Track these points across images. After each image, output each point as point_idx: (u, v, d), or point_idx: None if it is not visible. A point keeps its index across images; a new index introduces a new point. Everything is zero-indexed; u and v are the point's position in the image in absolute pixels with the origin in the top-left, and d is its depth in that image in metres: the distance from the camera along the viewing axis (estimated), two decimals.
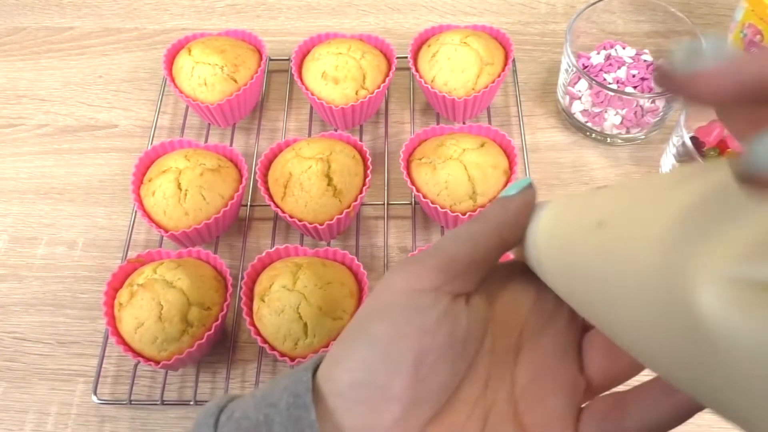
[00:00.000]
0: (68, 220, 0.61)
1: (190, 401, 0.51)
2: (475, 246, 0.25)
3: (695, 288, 0.16)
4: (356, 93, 0.60)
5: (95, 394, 0.51)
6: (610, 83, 0.62)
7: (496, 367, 0.26)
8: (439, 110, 0.64)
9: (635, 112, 0.59)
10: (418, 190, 0.54)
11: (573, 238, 0.24)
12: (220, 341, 0.53)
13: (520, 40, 0.71)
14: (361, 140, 0.59)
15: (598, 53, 0.64)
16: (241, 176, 0.57)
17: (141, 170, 0.57)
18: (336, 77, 0.60)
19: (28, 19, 0.76)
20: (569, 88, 0.62)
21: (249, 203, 0.60)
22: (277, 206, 0.54)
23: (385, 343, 0.24)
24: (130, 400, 0.51)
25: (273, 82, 0.69)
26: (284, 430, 0.24)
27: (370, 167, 0.55)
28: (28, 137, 0.67)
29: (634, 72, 0.62)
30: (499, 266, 0.28)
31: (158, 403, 0.51)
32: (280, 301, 0.48)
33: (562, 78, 0.62)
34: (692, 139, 0.56)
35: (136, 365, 0.52)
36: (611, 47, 0.64)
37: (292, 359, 0.48)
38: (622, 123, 0.60)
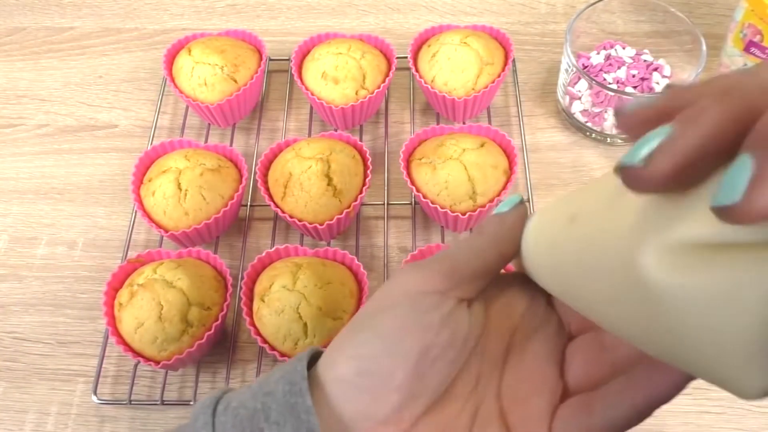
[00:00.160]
0: (68, 220, 0.61)
1: (190, 401, 0.51)
2: (477, 257, 0.27)
3: (639, 257, 0.18)
4: (356, 93, 0.60)
5: (95, 394, 0.51)
6: (610, 83, 0.62)
7: (486, 367, 0.28)
8: (439, 110, 0.64)
9: None
10: (418, 190, 0.54)
11: (554, 237, 0.26)
12: (220, 341, 0.53)
13: (520, 40, 0.71)
14: (361, 140, 0.59)
15: (598, 53, 0.64)
16: (241, 176, 0.57)
17: (141, 170, 0.57)
18: (336, 77, 0.60)
19: (28, 19, 0.76)
20: (569, 88, 0.62)
21: (249, 203, 0.60)
22: (277, 206, 0.54)
23: (391, 336, 0.26)
24: (130, 400, 0.51)
25: (273, 82, 0.69)
26: (281, 417, 0.25)
27: (370, 167, 0.55)
28: (28, 137, 0.67)
29: (634, 72, 0.62)
30: (499, 276, 0.30)
31: (158, 403, 0.51)
32: (280, 301, 0.48)
33: (562, 78, 0.62)
34: None
35: (136, 365, 0.52)
36: (611, 47, 0.64)
37: None
38: None
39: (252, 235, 0.59)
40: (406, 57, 0.63)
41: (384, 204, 0.59)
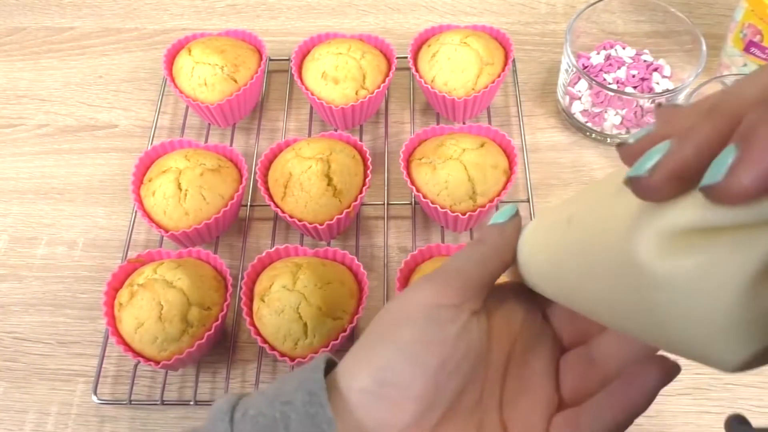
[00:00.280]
0: (68, 220, 0.61)
1: (190, 401, 0.51)
2: (484, 267, 0.29)
3: (634, 246, 0.20)
4: (356, 93, 0.60)
5: (95, 394, 0.51)
6: (610, 83, 0.62)
7: (489, 378, 0.29)
8: (439, 110, 0.64)
9: (635, 113, 0.59)
10: (418, 190, 0.54)
11: (551, 240, 0.27)
12: (220, 341, 0.53)
13: (520, 40, 0.71)
14: (361, 140, 0.59)
15: (598, 53, 0.64)
16: (241, 176, 0.57)
17: (141, 170, 0.57)
18: (336, 77, 0.60)
19: (28, 19, 0.76)
20: (569, 88, 0.62)
21: (249, 203, 0.60)
22: (277, 206, 0.54)
23: (411, 349, 0.27)
24: (130, 400, 0.51)
25: (273, 82, 0.69)
26: (301, 427, 0.26)
27: (370, 167, 0.55)
28: (28, 137, 0.67)
29: (634, 72, 0.62)
30: (495, 287, 0.31)
31: (158, 403, 0.51)
32: (280, 301, 0.48)
33: (562, 78, 0.62)
34: None
35: (136, 365, 0.52)
36: (611, 47, 0.64)
37: (292, 359, 0.48)
38: (622, 123, 0.60)
39: (252, 235, 0.59)
40: (406, 57, 0.63)
41: (384, 204, 0.59)
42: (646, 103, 0.59)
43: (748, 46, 0.61)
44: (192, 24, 0.74)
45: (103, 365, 0.52)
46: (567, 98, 0.63)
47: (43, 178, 0.64)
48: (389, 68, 0.62)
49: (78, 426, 0.51)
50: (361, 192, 0.55)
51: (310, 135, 0.64)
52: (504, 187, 0.54)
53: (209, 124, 0.65)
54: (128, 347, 0.48)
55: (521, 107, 0.65)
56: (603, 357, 0.29)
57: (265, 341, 0.48)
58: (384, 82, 0.61)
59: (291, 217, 0.54)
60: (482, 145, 0.55)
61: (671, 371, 0.27)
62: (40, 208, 0.62)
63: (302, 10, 0.75)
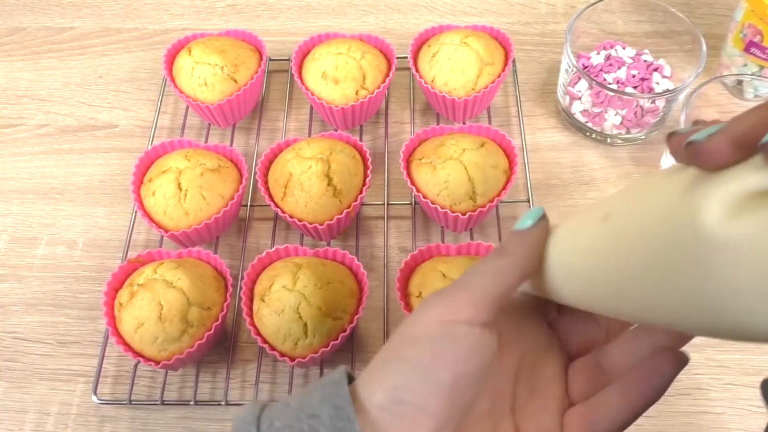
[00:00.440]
0: (68, 220, 0.61)
1: (190, 401, 0.51)
2: (501, 280, 0.28)
3: (699, 213, 0.20)
4: (356, 93, 0.60)
5: (95, 394, 0.51)
6: (610, 83, 0.62)
7: (500, 389, 0.30)
8: (439, 110, 0.64)
9: (635, 113, 0.59)
10: (418, 190, 0.54)
11: (581, 241, 0.27)
12: (220, 341, 0.53)
13: (520, 40, 0.71)
14: (361, 140, 0.59)
15: (598, 53, 0.64)
16: (241, 176, 0.57)
17: (141, 170, 0.57)
18: (336, 77, 0.60)
19: (28, 19, 0.76)
20: (569, 88, 0.62)
21: (249, 203, 0.60)
22: (277, 206, 0.54)
23: (424, 366, 0.27)
24: (130, 400, 0.51)
25: (273, 82, 0.69)
26: None
27: (370, 167, 0.55)
28: (28, 137, 0.67)
29: (634, 72, 0.62)
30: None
31: (158, 403, 0.51)
32: (280, 301, 0.48)
33: (562, 78, 0.62)
34: None
35: (136, 365, 0.52)
36: (611, 47, 0.64)
37: (292, 359, 0.48)
38: (622, 123, 0.60)
39: (252, 235, 0.59)
40: (406, 57, 0.63)
41: (384, 204, 0.59)
42: (646, 103, 0.59)
43: (748, 46, 0.61)
44: (192, 24, 0.74)
45: (103, 365, 0.52)
46: (567, 98, 0.63)
47: (43, 178, 0.64)
48: (389, 68, 0.62)
49: (78, 426, 0.51)
50: (361, 192, 0.55)
51: (310, 135, 0.64)
52: (504, 187, 0.54)
53: (209, 124, 0.65)
54: (128, 347, 0.48)
55: (521, 107, 0.65)
56: (611, 363, 0.30)
57: (265, 341, 0.48)
58: (384, 82, 0.61)
59: (291, 217, 0.54)
60: (482, 145, 0.55)
61: (683, 361, 0.28)
62: (40, 208, 0.62)
63: (302, 10, 0.75)
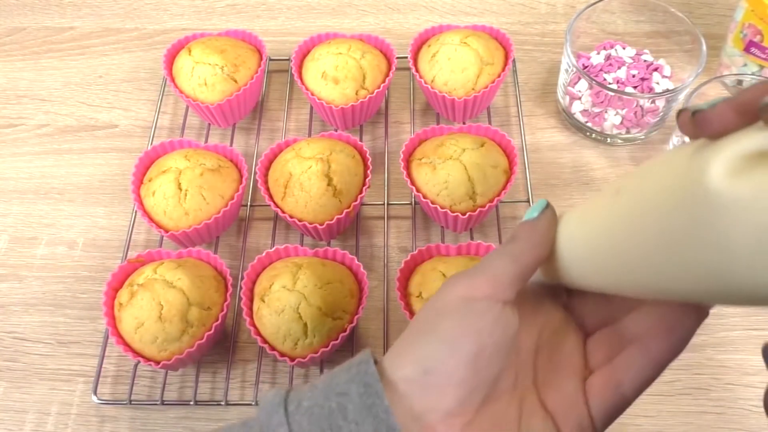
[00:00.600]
0: (68, 220, 0.61)
1: (190, 401, 0.51)
2: (518, 263, 0.30)
3: (705, 173, 0.21)
4: (356, 93, 0.60)
5: (95, 394, 0.51)
6: (610, 83, 0.62)
7: (522, 366, 0.31)
8: (439, 110, 0.64)
9: (635, 112, 0.59)
10: (418, 190, 0.54)
11: (594, 218, 0.28)
12: (220, 341, 0.53)
13: (520, 40, 0.71)
14: (361, 140, 0.59)
15: (598, 53, 0.64)
16: (241, 176, 0.57)
17: (141, 170, 0.57)
18: (336, 77, 0.60)
19: (28, 19, 0.76)
20: (569, 88, 0.62)
21: (249, 203, 0.60)
22: (277, 206, 0.54)
23: (451, 338, 0.29)
24: (130, 400, 0.51)
25: (273, 82, 0.69)
26: (359, 416, 0.28)
27: (370, 167, 0.55)
28: (28, 137, 0.67)
29: (634, 72, 0.62)
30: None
31: (158, 403, 0.51)
32: (280, 301, 0.48)
33: (562, 78, 0.62)
34: None
35: (136, 365, 0.52)
36: (611, 47, 0.64)
37: (292, 359, 0.48)
38: (622, 123, 0.60)
39: (252, 235, 0.59)
40: (406, 57, 0.63)
41: (384, 204, 0.59)
42: (646, 103, 0.59)
43: (748, 46, 0.61)
44: (192, 24, 0.74)
45: (103, 365, 0.52)
46: (567, 98, 0.63)
47: (43, 178, 0.64)
48: (389, 68, 0.62)
49: (78, 426, 0.51)
50: (361, 192, 0.55)
51: (310, 135, 0.64)
52: (504, 187, 0.54)
53: (209, 124, 0.65)
54: (128, 347, 0.48)
55: (521, 107, 0.65)
56: (630, 331, 0.31)
57: (265, 341, 0.48)
58: (384, 82, 0.61)
59: (291, 217, 0.54)
60: (482, 145, 0.55)
61: (703, 313, 0.29)
62: (40, 208, 0.62)
63: (302, 10, 0.75)
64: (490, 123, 0.64)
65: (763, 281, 0.20)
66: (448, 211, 0.53)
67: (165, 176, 0.55)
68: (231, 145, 0.63)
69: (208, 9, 0.76)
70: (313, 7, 0.76)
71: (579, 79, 0.61)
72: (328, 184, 0.54)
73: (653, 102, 0.59)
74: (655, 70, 0.62)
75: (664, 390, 0.51)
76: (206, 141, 0.64)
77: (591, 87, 0.60)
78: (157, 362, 0.48)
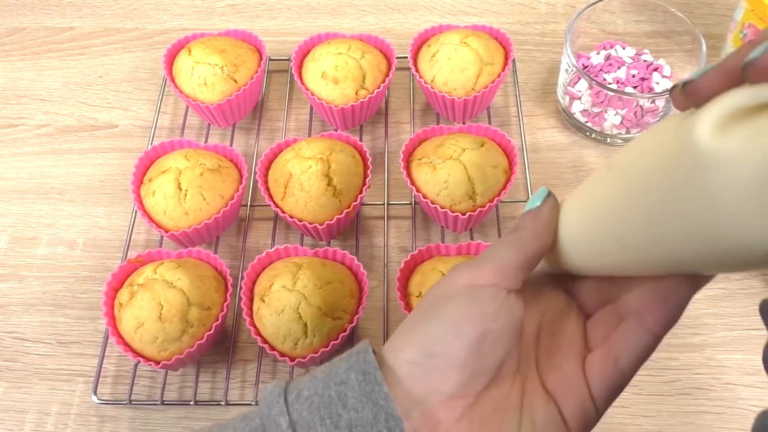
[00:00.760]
0: (68, 220, 0.61)
1: (190, 401, 0.51)
2: (522, 252, 0.30)
3: (692, 133, 0.21)
4: (356, 93, 0.60)
5: (95, 394, 0.51)
6: (610, 83, 0.62)
7: (525, 348, 0.32)
8: (439, 110, 0.64)
9: (635, 112, 0.59)
10: (417, 190, 0.54)
11: (591, 199, 0.29)
12: (220, 341, 0.53)
13: (520, 40, 0.71)
14: (361, 140, 0.59)
15: (598, 53, 0.64)
16: (241, 176, 0.57)
17: (141, 170, 0.57)
18: (336, 77, 0.60)
19: (28, 19, 0.76)
20: (569, 88, 0.62)
21: (249, 203, 0.60)
22: (277, 206, 0.54)
23: (455, 322, 0.29)
24: (130, 400, 0.51)
25: (273, 82, 0.69)
26: (359, 403, 0.28)
27: (370, 167, 0.55)
28: (28, 137, 0.67)
29: (634, 72, 0.62)
30: None
31: (158, 403, 0.51)
32: (280, 301, 0.48)
33: (562, 78, 0.62)
34: None
35: (136, 365, 0.52)
36: (611, 47, 0.64)
37: (292, 359, 0.48)
38: (622, 123, 0.60)
39: (252, 235, 0.59)
40: (406, 57, 0.63)
41: (384, 204, 0.59)
42: (646, 103, 0.59)
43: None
44: (192, 24, 0.74)
45: (103, 365, 0.52)
46: (567, 98, 0.63)
47: (43, 178, 0.64)
48: (389, 68, 0.62)
49: (78, 426, 0.51)
50: (361, 192, 0.55)
51: (310, 135, 0.64)
52: (504, 187, 0.54)
53: (209, 124, 0.65)
54: (128, 347, 0.48)
55: (521, 107, 0.65)
56: (627, 306, 0.31)
57: (265, 341, 0.48)
58: (384, 82, 0.61)
59: (291, 217, 0.54)
60: (482, 145, 0.55)
61: (698, 283, 0.29)
62: (40, 208, 0.62)
63: (302, 10, 0.75)
64: (490, 123, 0.64)
65: (757, 237, 0.20)
66: (448, 211, 0.53)
67: (165, 176, 0.55)
68: (231, 145, 0.63)
69: (208, 9, 0.76)
70: (313, 7, 0.76)
71: (579, 79, 0.61)
72: (328, 184, 0.54)
73: (653, 102, 0.59)
74: (655, 70, 0.62)
75: (664, 390, 0.51)
76: (206, 141, 0.64)
77: (591, 87, 0.60)
78: (157, 362, 0.48)
